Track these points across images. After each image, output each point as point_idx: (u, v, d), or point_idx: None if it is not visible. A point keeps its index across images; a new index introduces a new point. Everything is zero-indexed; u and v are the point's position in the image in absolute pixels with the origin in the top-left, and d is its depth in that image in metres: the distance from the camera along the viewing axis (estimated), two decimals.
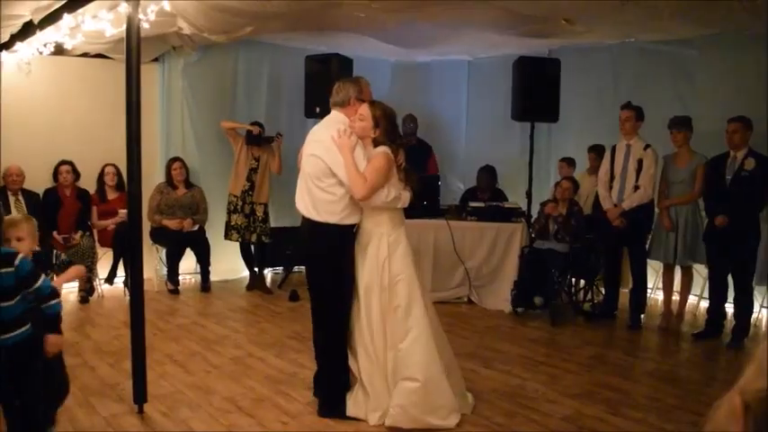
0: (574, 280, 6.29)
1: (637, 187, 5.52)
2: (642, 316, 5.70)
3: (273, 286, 6.97)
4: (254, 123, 6.80)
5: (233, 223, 6.74)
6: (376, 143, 3.51)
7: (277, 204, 7.26)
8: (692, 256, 5.58)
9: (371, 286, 3.49)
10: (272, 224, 6.96)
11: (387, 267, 3.48)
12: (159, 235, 6.67)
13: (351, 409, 3.56)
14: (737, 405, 0.83)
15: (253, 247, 6.93)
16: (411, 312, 3.46)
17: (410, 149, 7.06)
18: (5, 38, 5.63)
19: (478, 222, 6.29)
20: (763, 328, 5.63)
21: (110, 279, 6.41)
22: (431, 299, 3.84)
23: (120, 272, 6.37)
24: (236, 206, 6.71)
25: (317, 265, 3.73)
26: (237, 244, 6.94)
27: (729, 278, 5.26)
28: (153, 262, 6.72)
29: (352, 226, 3.57)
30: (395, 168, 3.55)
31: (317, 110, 6.73)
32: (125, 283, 6.28)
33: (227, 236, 6.78)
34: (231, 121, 6.85)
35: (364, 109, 3.53)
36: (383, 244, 3.50)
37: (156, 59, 6.98)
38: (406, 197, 3.58)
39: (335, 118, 3.66)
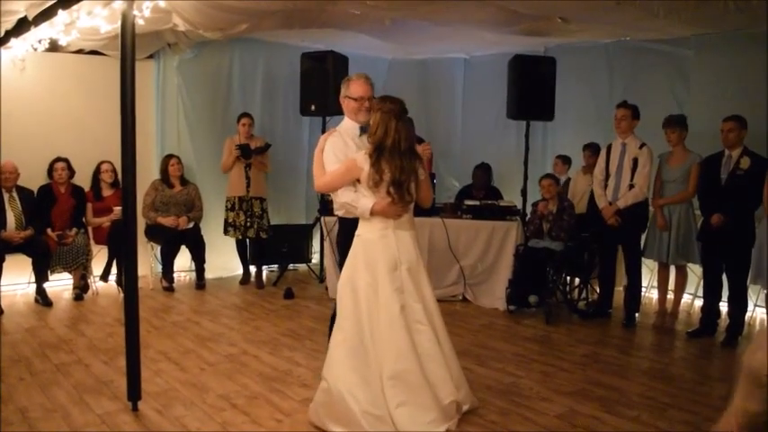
0: (569, 278, 6.31)
1: (632, 186, 5.54)
2: (636, 314, 5.72)
3: (268, 284, 6.97)
4: (243, 114, 6.81)
5: (231, 221, 6.76)
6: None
7: (273, 202, 7.26)
8: (684, 256, 5.60)
9: None
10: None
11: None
12: (154, 232, 6.66)
13: None
14: (733, 427, 0.83)
15: (248, 243, 6.95)
16: (345, 316, 3.38)
17: None
18: (0, 34, 5.60)
19: (473, 220, 6.29)
20: (757, 327, 5.66)
21: (104, 276, 6.40)
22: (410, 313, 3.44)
23: (114, 269, 6.37)
24: (234, 204, 6.74)
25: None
26: (232, 241, 6.97)
27: (724, 277, 5.27)
28: (148, 259, 6.72)
29: (356, 221, 3.55)
30: (363, 175, 3.37)
31: (313, 107, 6.75)
32: (118, 282, 6.30)
33: (226, 232, 6.82)
34: (227, 156, 6.79)
35: None
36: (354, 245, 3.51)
37: (151, 56, 6.97)
38: (364, 207, 3.38)
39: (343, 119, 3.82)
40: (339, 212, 3.67)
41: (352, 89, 3.72)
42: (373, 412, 3.22)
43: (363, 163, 3.38)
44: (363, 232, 3.47)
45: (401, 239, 3.46)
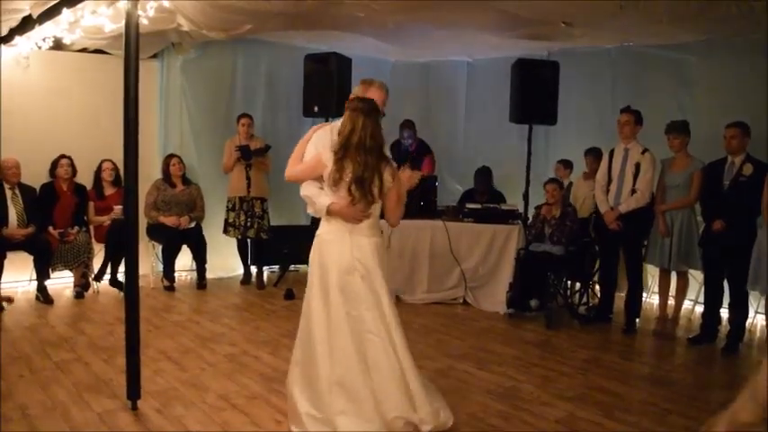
0: (569, 283, 6.30)
1: (634, 191, 5.53)
2: (637, 320, 5.71)
3: (269, 285, 6.97)
4: (243, 115, 6.82)
5: (231, 220, 6.77)
6: None
7: (275, 203, 7.26)
8: (686, 261, 5.58)
9: None
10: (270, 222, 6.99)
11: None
12: (156, 231, 6.66)
13: None
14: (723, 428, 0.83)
15: (249, 243, 6.96)
16: (302, 316, 3.39)
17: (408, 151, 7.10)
18: (4, 32, 5.61)
19: (475, 224, 6.29)
20: (758, 334, 5.65)
21: (99, 276, 6.38)
22: (383, 319, 3.29)
23: (109, 270, 6.36)
24: (235, 204, 6.75)
25: None
26: (234, 241, 6.97)
27: (725, 283, 5.26)
28: (149, 258, 6.72)
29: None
30: (326, 173, 3.31)
31: (316, 108, 6.74)
32: (111, 282, 6.30)
33: (226, 231, 6.83)
34: (228, 157, 6.81)
35: None
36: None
37: (154, 56, 6.98)
38: (321, 205, 3.34)
39: None
40: (309, 210, 3.59)
41: (369, 94, 3.57)
42: (315, 415, 3.22)
43: (328, 160, 3.32)
44: (322, 232, 3.42)
45: (357, 245, 3.32)
